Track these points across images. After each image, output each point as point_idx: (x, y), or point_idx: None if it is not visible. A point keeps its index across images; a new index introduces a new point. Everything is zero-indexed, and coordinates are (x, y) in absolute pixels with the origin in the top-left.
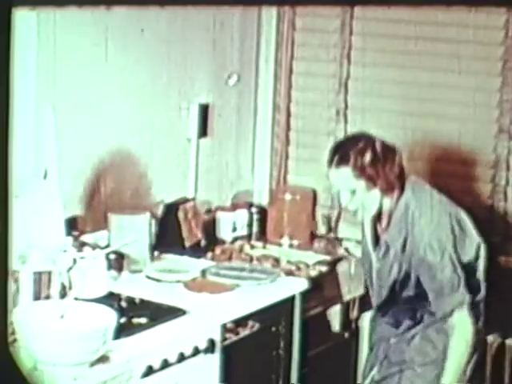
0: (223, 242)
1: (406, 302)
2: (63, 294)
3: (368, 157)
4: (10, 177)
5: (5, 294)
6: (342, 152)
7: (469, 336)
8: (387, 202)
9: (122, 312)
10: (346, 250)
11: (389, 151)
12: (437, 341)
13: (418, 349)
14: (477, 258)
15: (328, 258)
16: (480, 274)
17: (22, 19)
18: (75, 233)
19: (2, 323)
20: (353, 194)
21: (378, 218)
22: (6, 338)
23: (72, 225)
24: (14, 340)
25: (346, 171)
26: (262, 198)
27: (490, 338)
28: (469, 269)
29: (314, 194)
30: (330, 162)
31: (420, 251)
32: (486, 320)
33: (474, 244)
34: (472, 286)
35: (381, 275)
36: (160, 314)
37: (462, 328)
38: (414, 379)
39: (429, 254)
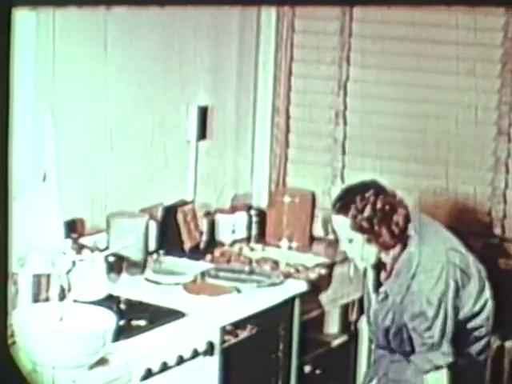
0: (222, 245)
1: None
2: (62, 297)
3: (367, 213)
4: (9, 179)
5: (5, 295)
6: (345, 200)
7: None
8: (389, 253)
9: (121, 314)
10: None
11: (392, 208)
12: None
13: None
14: (480, 310)
15: (327, 260)
16: (483, 322)
17: (22, 19)
18: (74, 235)
19: (2, 325)
20: (350, 243)
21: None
22: (5, 339)
23: (71, 227)
24: (13, 342)
25: (345, 221)
26: (261, 201)
27: (508, 344)
28: (466, 322)
29: (313, 196)
30: (333, 206)
31: (417, 305)
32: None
33: (475, 291)
34: (465, 341)
35: (376, 318)
36: (159, 316)
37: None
38: None
39: (426, 308)
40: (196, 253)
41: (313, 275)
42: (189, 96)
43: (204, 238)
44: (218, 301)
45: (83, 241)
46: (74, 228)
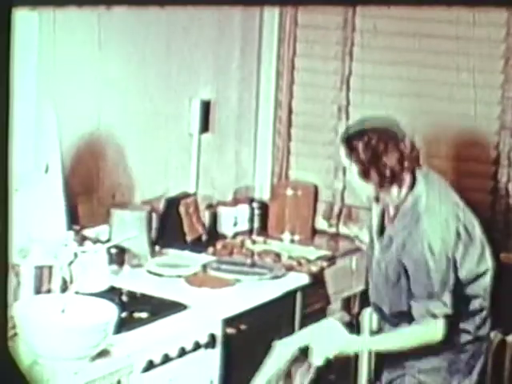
0: (224, 237)
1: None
2: (64, 289)
3: (362, 146)
4: (10, 171)
5: (5, 288)
6: (348, 130)
7: (432, 338)
8: (390, 194)
9: (122, 306)
10: (357, 237)
11: (395, 146)
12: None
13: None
14: (481, 274)
15: (329, 253)
16: (480, 291)
17: (23, 19)
18: (76, 227)
19: (2, 319)
20: (350, 172)
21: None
22: (5, 334)
23: (73, 219)
24: (15, 334)
25: (343, 149)
26: (263, 193)
27: (491, 335)
28: (464, 286)
29: (316, 189)
30: (341, 136)
31: (419, 250)
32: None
33: (477, 255)
34: (464, 299)
35: (378, 268)
36: (161, 308)
37: (428, 330)
38: None
39: (427, 254)
40: (198, 245)
41: (315, 268)
42: (192, 89)
43: (206, 230)
44: (220, 293)
45: (85, 233)
46: (76, 220)
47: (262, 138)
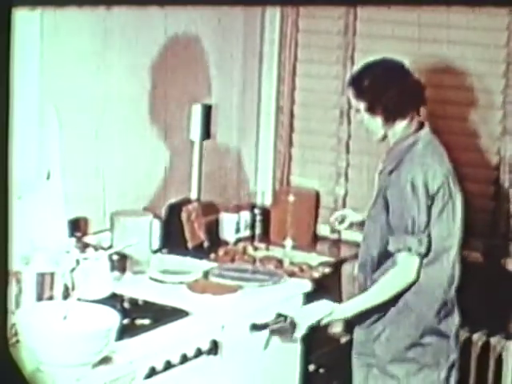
0: (226, 244)
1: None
2: (66, 295)
3: (366, 82)
4: (10, 177)
5: (5, 295)
6: (354, 74)
7: (406, 277)
8: (398, 129)
9: (124, 313)
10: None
11: (396, 77)
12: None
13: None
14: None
15: (331, 259)
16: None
17: (26, 18)
18: (78, 234)
19: (2, 325)
20: (358, 112)
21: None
22: (6, 339)
23: (75, 226)
24: (17, 341)
25: (350, 91)
26: (265, 200)
27: (475, 337)
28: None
29: (317, 195)
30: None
31: (402, 183)
32: (473, 319)
33: (449, 223)
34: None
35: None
36: (163, 315)
37: (403, 267)
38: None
39: (408, 188)
40: (200, 252)
41: (317, 274)
42: (193, 95)
43: (208, 236)
44: (222, 300)
45: (87, 239)
46: (77, 227)
47: (263, 144)
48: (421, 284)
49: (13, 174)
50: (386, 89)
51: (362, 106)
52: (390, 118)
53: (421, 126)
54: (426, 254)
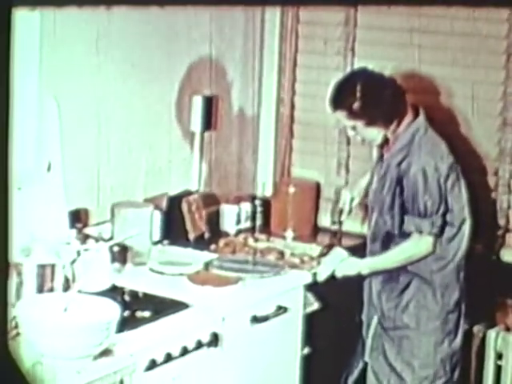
0: (227, 235)
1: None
2: (67, 287)
3: (357, 103)
4: (10, 169)
5: (5, 288)
6: (336, 97)
7: (416, 253)
8: (392, 129)
9: (125, 305)
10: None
11: (380, 86)
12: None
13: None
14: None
15: None
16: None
17: (24, 19)
18: (79, 225)
19: (2, 318)
20: (355, 129)
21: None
22: (5, 333)
23: (75, 217)
24: (17, 334)
25: (341, 115)
26: (265, 191)
27: (474, 329)
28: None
29: (318, 186)
30: (329, 106)
31: (413, 170)
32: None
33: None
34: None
35: (376, 197)
36: (163, 307)
37: (414, 245)
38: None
39: (419, 176)
40: (201, 243)
41: (318, 266)
42: (194, 86)
43: (208, 228)
44: (223, 291)
45: (88, 231)
46: (78, 218)
47: (264, 135)
48: (444, 254)
49: (13, 165)
50: (379, 101)
51: (359, 123)
52: (388, 123)
53: (416, 112)
54: (442, 231)
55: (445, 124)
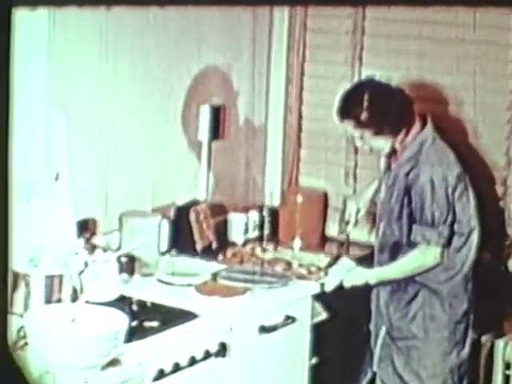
0: (235, 245)
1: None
2: (74, 298)
3: (365, 112)
4: (10, 178)
5: (5, 287)
6: (343, 107)
7: (424, 263)
8: (401, 138)
9: (133, 315)
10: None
11: (387, 96)
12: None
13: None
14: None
15: None
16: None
17: (23, 19)
18: (87, 235)
19: (2, 326)
20: (362, 139)
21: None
22: (5, 340)
23: (83, 227)
24: (25, 344)
25: (349, 124)
26: (273, 200)
27: (482, 339)
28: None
29: (326, 195)
30: (337, 116)
31: (421, 180)
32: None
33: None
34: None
35: (383, 206)
36: (171, 317)
37: (421, 255)
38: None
39: (427, 186)
40: (208, 253)
41: (325, 276)
42: (201, 96)
43: (216, 237)
44: (230, 302)
45: (95, 241)
46: (86, 228)
47: (272, 144)
48: (452, 264)
49: (13, 174)
50: (387, 110)
51: (367, 133)
52: (396, 132)
53: (424, 122)
54: (450, 242)
55: (453, 133)
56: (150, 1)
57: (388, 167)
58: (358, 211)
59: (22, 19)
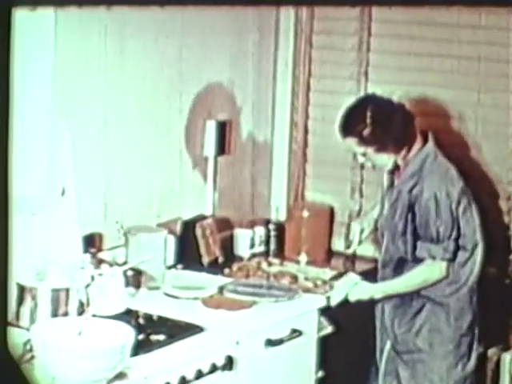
0: (241, 259)
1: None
2: (81, 311)
3: (367, 129)
4: (9, 189)
5: (5, 286)
6: (345, 124)
7: (429, 278)
8: (403, 155)
9: (139, 329)
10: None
11: (390, 112)
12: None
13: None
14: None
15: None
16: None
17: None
18: (93, 250)
19: (2, 328)
20: (365, 155)
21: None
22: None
23: (89, 242)
24: (32, 357)
25: (352, 141)
26: (279, 215)
27: (489, 352)
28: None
29: (332, 210)
30: (339, 133)
31: (424, 196)
32: (488, 334)
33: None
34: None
35: (387, 223)
36: (178, 330)
37: (427, 271)
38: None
39: (431, 202)
40: (214, 267)
41: (331, 290)
42: (207, 111)
43: (222, 252)
44: (237, 315)
45: (102, 255)
46: (92, 243)
47: (277, 159)
48: (456, 278)
49: (13, 188)
50: (389, 127)
51: (369, 149)
52: (398, 149)
53: (425, 138)
54: (455, 256)
55: (455, 148)
56: (151, 1)
57: (391, 183)
58: (362, 231)
59: (22, 19)
